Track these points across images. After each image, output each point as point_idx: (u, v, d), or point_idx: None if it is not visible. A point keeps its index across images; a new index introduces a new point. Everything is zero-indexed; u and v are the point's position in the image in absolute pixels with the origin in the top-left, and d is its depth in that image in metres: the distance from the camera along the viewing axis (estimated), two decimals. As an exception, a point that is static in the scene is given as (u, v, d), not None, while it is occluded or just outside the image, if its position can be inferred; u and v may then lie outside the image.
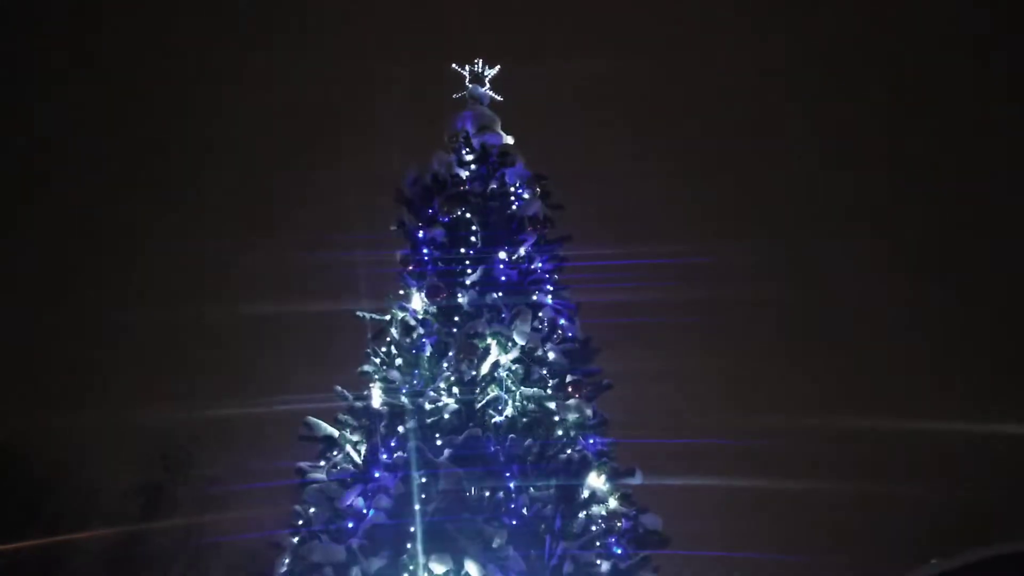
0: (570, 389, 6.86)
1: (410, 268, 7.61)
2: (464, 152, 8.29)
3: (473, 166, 8.15)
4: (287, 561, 6.02)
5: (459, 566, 5.51)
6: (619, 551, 5.97)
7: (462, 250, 7.62)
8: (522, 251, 7.70)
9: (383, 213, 8.11)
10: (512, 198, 7.97)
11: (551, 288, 7.72)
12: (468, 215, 7.78)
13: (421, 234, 7.70)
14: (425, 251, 7.61)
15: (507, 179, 8.02)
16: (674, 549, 6.30)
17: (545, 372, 6.93)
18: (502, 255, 7.59)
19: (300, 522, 6.33)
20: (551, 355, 7.04)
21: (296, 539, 6.17)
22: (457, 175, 8.09)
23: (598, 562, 5.83)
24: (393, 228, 7.91)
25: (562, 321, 7.43)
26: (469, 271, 7.48)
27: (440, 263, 7.56)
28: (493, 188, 7.93)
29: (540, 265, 7.78)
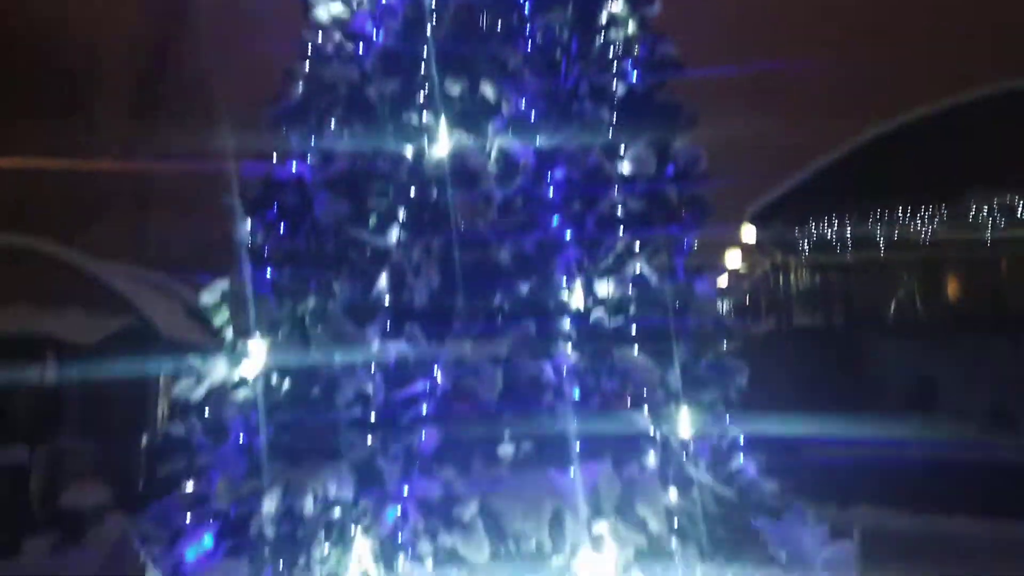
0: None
1: None
2: None
3: None
4: (301, 85, 6.01)
5: (474, 87, 5.52)
6: (635, 74, 5.93)
7: None
8: None
9: None
10: None
11: None
12: None
13: None
14: None
15: None
16: (686, 71, 6.21)
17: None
18: None
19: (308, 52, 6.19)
20: None
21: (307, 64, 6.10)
22: None
23: (613, 85, 5.82)
24: None
25: None
26: None
27: None
28: None
29: None
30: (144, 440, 13.17)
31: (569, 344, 5.07)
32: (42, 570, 9.12)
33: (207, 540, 4.96)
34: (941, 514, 11.47)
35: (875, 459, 13.10)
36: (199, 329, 13.86)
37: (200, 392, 5.45)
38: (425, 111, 5.53)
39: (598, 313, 5.18)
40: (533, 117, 5.53)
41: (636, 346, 5.34)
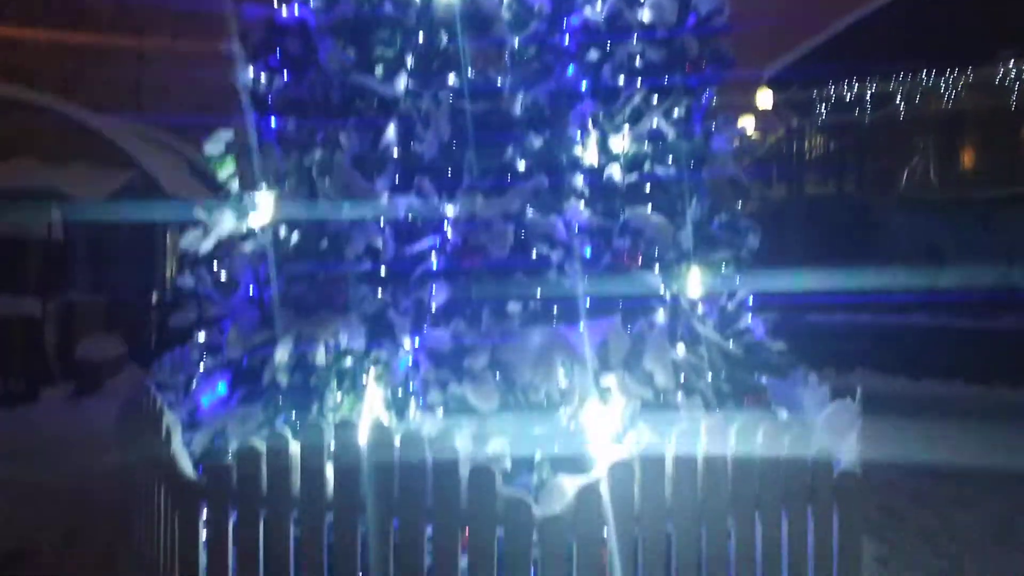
0: None
1: None
2: None
3: None
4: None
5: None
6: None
7: None
8: None
9: None
10: None
11: None
12: None
13: None
14: None
15: None
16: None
17: None
18: None
19: None
20: None
21: None
22: None
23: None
24: None
25: None
26: None
27: None
28: None
29: None
30: (154, 294, 13.33)
31: (582, 200, 4.98)
32: (60, 417, 9.42)
33: (221, 387, 5.05)
34: (939, 379, 11.72)
35: (877, 326, 13.26)
36: (202, 186, 13.73)
37: (208, 244, 5.42)
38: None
39: (612, 169, 5.05)
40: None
41: (649, 204, 5.24)
